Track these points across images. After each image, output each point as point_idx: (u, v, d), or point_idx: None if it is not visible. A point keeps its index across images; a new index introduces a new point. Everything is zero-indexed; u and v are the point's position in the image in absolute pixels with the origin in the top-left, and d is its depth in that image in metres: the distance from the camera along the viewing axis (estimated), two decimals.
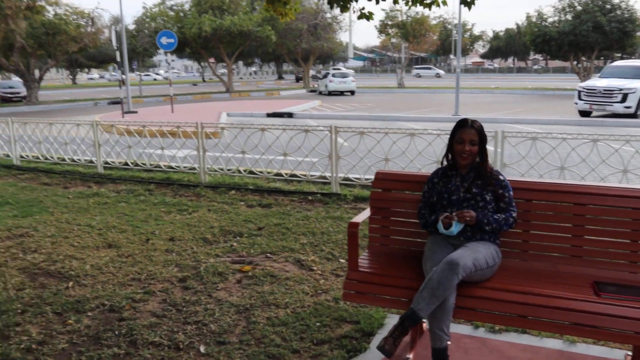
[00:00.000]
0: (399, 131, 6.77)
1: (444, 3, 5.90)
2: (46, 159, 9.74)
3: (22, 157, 9.94)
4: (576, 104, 18.12)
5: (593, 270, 2.84)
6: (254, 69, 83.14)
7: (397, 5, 6.06)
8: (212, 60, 46.70)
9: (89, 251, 5.13)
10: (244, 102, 27.15)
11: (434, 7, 5.84)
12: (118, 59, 20.29)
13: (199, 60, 55.16)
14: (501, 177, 2.96)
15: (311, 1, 39.00)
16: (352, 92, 33.41)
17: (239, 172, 8.08)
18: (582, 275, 2.83)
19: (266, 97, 33.05)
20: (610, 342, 2.42)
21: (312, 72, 51.84)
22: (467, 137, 2.93)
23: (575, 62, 33.16)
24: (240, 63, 70.89)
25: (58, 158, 9.67)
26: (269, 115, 20.05)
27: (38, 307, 3.95)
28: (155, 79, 73.47)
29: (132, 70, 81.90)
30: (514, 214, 2.91)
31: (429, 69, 66.92)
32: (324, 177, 7.51)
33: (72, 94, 40.23)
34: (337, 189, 7.13)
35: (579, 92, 17.96)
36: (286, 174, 7.74)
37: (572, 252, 2.91)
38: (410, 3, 5.97)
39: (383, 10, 40.88)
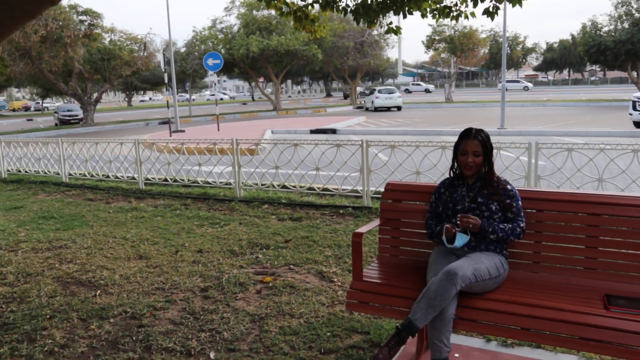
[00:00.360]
0: (429, 144, 6.69)
1: (472, 15, 5.85)
2: (92, 176, 10.20)
3: (70, 174, 10.45)
4: (631, 114, 17.32)
5: (606, 283, 2.69)
6: (302, 87, 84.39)
7: (425, 19, 6.05)
8: (261, 79, 47.83)
9: (120, 262, 5.31)
10: (289, 120, 27.53)
11: (482, 20, 5.81)
12: (166, 80, 21.06)
13: (249, 80, 56.53)
14: (509, 187, 2.87)
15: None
16: (399, 108, 33.27)
17: (273, 186, 8.18)
18: (593, 288, 2.69)
19: (312, 115, 33.39)
20: (621, 358, 2.28)
21: (360, 89, 52.07)
22: (471, 148, 2.87)
23: (633, 72, 31.75)
24: (289, 82, 72.12)
25: (103, 175, 10.12)
26: (312, 132, 20.22)
27: (65, 313, 4.12)
28: (208, 99, 76.06)
29: (185, 91, 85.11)
30: (522, 224, 2.81)
31: (418, 84, 67.55)
32: (356, 191, 7.50)
33: (126, 116, 42.06)
34: (369, 202, 7.09)
35: (634, 102, 17.16)
36: (318, 187, 7.78)
37: (585, 264, 2.77)
38: (437, 16, 5.96)
39: (430, 25, 40.58)
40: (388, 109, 33.43)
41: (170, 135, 19.37)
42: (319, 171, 7.73)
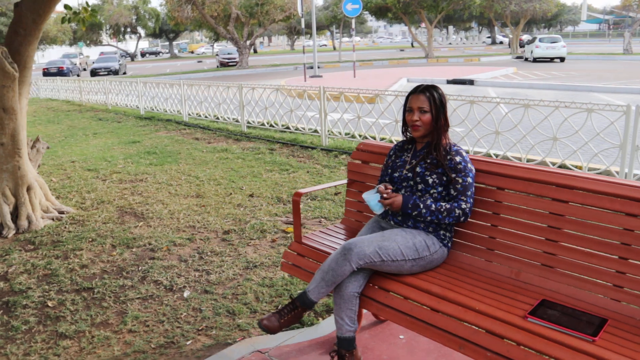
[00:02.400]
0: (511, 101, 5.92)
1: None
2: (206, 117, 10.96)
3: (189, 114, 11.35)
4: None
5: (559, 286, 2.18)
6: (466, 34, 79.54)
7: None
8: (422, 24, 46.05)
9: (177, 198, 5.72)
10: (436, 68, 26.33)
11: None
12: (302, 25, 21.37)
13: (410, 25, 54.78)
14: (458, 159, 2.42)
15: None
16: (562, 59, 29.70)
17: (355, 137, 8.02)
18: (540, 289, 2.21)
19: (464, 64, 31.47)
20: None
21: (527, 37, 47.44)
22: (416, 104, 2.48)
23: None
24: (451, 28, 68.37)
25: (214, 116, 10.82)
26: (449, 82, 19.17)
27: (104, 238, 4.61)
28: (371, 43, 76.15)
29: (350, 36, 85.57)
30: (464, 205, 2.38)
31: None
32: None
33: (283, 59, 43.78)
34: None
35: None
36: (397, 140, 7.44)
37: (542, 259, 2.27)
38: None
39: None
40: (551, 59, 30.07)
41: (305, 81, 19.83)
42: (397, 123, 7.35)
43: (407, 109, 2.52)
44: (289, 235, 4.55)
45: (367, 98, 8.48)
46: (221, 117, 10.63)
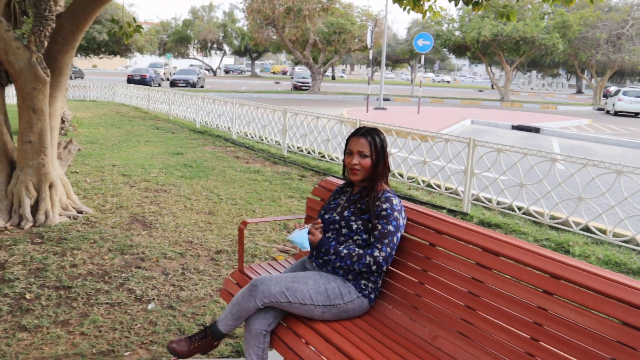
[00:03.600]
0: (538, 154, 5.65)
1: None
2: (252, 137, 11.25)
3: (238, 133, 11.69)
4: None
5: (474, 358, 2.05)
6: (547, 80, 76.93)
7: None
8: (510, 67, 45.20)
9: (189, 213, 5.89)
10: (506, 113, 25.59)
11: None
12: (370, 57, 21.53)
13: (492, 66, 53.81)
14: (385, 205, 2.33)
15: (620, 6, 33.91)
16: None
17: None
18: (449, 359, 2.08)
19: (538, 111, 30.40)
20: None
21: (614, 89, 45.13)
22: (356, 148, 2.42)
23: None
24: (534, 72, 66.35)
25: (259, 137, 11.07)
26: (514, 127, 18.58)
27: (104, 241, 4.82)
28: (448, 81, 75.51)
29: (433, 71, 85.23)
30: (377, 253, 2.27)
31: None
32: (457, 193, 6.81)
33: (357, 88, 44.19)
34: (468, 208, 6.38)
35: None
36: (423, 181, 7.28)
37: (461, 327, 2.13)
38: None
39: None
40: (635, 114, 28.39)
41: (367, 112, 19.91)
42: (426, 164, 7.20)
43: (347, 152, 2.48)
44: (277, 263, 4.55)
45: (402, 134, 8.38)
46: (265, 138, 10.87)
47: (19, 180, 5.07)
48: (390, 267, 2.49)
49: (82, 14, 4.70)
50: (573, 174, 5.46)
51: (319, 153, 9.40)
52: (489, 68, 38.21)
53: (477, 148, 6.28)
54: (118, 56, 33.95)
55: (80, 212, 5.59)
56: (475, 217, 6.10)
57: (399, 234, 2.33)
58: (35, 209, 5.21)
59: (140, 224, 5.43)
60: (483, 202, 6.42)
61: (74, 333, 3.21)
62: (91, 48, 30.16)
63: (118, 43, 30.88)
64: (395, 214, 2.33)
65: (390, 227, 2.30)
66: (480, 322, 2.07)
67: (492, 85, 64.94)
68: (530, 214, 5.83)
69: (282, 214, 6.02)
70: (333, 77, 68.35)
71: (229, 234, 5.24)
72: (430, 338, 2.20)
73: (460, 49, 36.89)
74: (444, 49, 37.56)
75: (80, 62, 46.75)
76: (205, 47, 56.22)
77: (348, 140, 2.49)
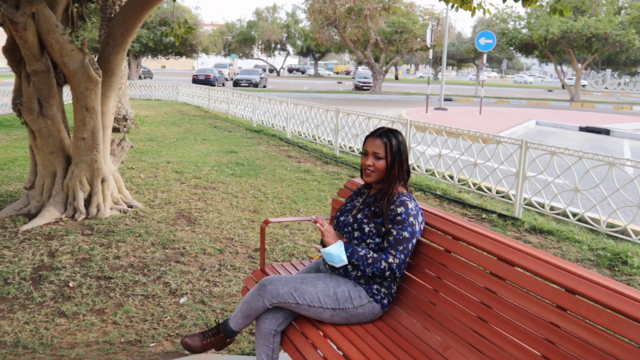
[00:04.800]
0: (594, 157, 5.32)
1: None
2: (306, 136, 11.31)
3: (292, 132, 11.79)
4: None
5: None
6: (631, 79, 72.39)
7: None
8: (580, 65, 43.13)
9: (234, 210, 5.99)
10: (574, 113, 24.35)
11: None
12: (430, 57, 21.07)
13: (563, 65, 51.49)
14: (400, 210, 2.24)
15: None
16: None
17: (435, 174, 7.74)
18: None
19: (611, 111, 28.71)
20: None
21: None
22: (371, 148, 2.36)
23: None
24: (608, 71, 62.69)
25: (312, 136, 11.11)
26: (581, 129, 17.64)
27: (149, 235, 4.99)
28: (526, 82, 72.91)
29: (500, 71, 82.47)
30: (392, 259, 2.19)
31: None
32: (509, 197, 6.53)
33: (420, 88, 43.48)
34: (520, 213, 6.11)
35: None
36: (474, 183, 7.04)
37: (473, 340, 2.02)
38: None
39: None
40: None
41: (427, 112, 19.55)
42: (477, 167, 6.96)
43: (363, 152, 2.42)
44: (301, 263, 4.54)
45: (453, 135, 8.15)
46: (318, 138, 10.90)
47: (74, 175, 5.34)
48: (406, 272, 2.42)
49: (131, 17, 4.89)
50: (633, 179, 5.10)
51: None
52: (557, 67, 36.44)
53: (529, 150, 6.00)
54: (184, 57, 35.16)
55: (130, 206, 5.82)
56: (526, 223, 5.83)
57: (414, 240, 2.25)
58: (88, 202, 5.47)
59: (185, 219, 5.58)
60: (536, 207, 6.12)
61: (107, 322, 3.34)
62: (159, 49, 31.41)
63: (183, 44, 31.99)
64: (411, 219, 2.24)
65: (406, 234, 2.22)
66: (491, 335, 1.96)
67: (562, 85, 62.01)
68: (585, 221, 5.50)
69: (326, 214, 5.99)
70: (396, 77, 67.64)
71: (270, 232, 5.28)
72: (442, 349, 2.11)
73: (527, 48, 35.37)
74: (510, 48, 36.16)
75: (150, 63, 48.80)
76: (269, 48, 57.20)
77: (365, 140, 2.44)
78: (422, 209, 2.43)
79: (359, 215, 2.34)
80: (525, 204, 6.18)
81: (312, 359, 2.12)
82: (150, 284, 3.94)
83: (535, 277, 1.87)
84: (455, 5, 5.65)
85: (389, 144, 2.34)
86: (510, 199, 6.39)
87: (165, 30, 6.11)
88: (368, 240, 2.30)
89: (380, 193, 2.36)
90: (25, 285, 3.81)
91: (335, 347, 2.14)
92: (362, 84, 35.86)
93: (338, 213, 2.50)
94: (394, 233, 2.23)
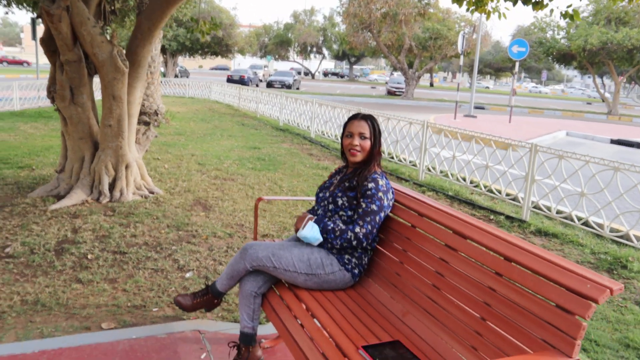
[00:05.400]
0: (600, 162, 5.39)
1: None
2: (329, 136, 11.56)
3: (316, 132, 12.06)
4: None
5: (430, 334, 2.14)
6: None
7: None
8: (620, 78, 42.12)
9: (248, 200, 6.28)
10: (608, 126, 23.86)
11: None
12: (461, 63, 21.03)
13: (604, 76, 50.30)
14: (370, 185, 2.46)
15: None
16: None
17: (448, 176, 7.87)
18: (411, 333, 2.18)
19: None
20: None
21: None
22: (356, 130, 2.58)
23: None
24: None
25: (335, 136, 11.35)
26: (612, 141, 17.35)
27: (165, 218, 5.32)
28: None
29: (540, 82, 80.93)
30: (358, 230, 2.41)
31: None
32: (517, 200, 6.63)
33: (453, 96, 43.17)
34: (527, 215, 6.21)
35: None
36: (485, 185, 7.15)
37: (427, 305, 2.22)
38: None
39: None
40: None
41: (455, 119, 19.54)
42: (488, 169, 7.07)
43: (346, 134, 2.65)
44: None
45: (466, 138, 8.26)
46: (339, 137, 11.13)
47: (100, 160, 5.73)
48: (377, 246, 2.63)
49: (157, 12, 5.24)
50: (637, 184, 5.16)
51: (389, 154, 9.49)
52: (596, 79, 35.66)
53: (538, 154, 6.09)
54: (220, 57, 35.95)
55: (151, 192, 6.17)
56: (532, 225, 5.93)
57: (382, 214, 2.47)
58: (112, 186, 5.85)
59: (201, 206, 5.90)
60: (543, 211, 6.21)
61: (117, 289, 3.66)
62: (195, 49, 32.25)
63: (219, 44, 32.74)
64: (380, 194, 2.46)
65: (374, 207, 2.44)
66: (443, 300, 2.16)
67: (602, 98, 60.46)
68: (590, 225, 5.57)
69: None
70: (431, 84, 67.29)
71: (279, 220, 5.54)
72: (401, 314, 2.32)
73: (565, 58, 34.76)
74: (548, 58, 35.58)
75: (187, 63, 49.80)
76: (305, 51, 57.79)
77: (346, 124, 2.66)
78: (395, 188, 2.65)
79: (336, 190, 2.58)
80: (533, 207, 6.26)
81: (285, 317, 2.36)
82: (160, 260, 4.25)
83: (481, 247, 2.06)
84: (471, 8, 5.81)
85: (372, 126, 2.57)
86: (519, 202, 6.49)
87: (192, 26, 6.46)
88: (340, 212, 2.53)
89: (358, 170, 2.58)
90: (48, 255, 4.17)
91: (305, 308, 2.38)
92: (394, 89, 35.93)
93: (318, 190, 2.74)
94: (363, 206, 2.46)
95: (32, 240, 4.46)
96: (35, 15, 15.55)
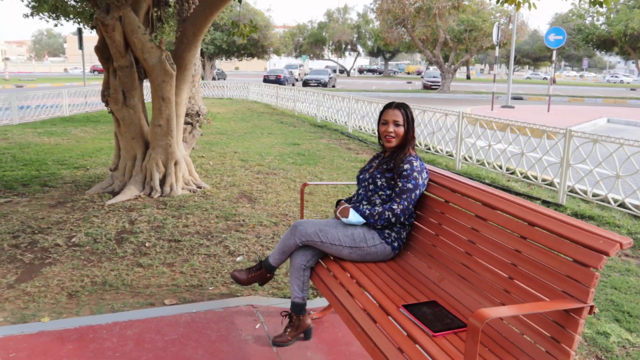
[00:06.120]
0: (635, 144, 5.43)
1: None
2: (366, 130, 11.78)
3: (354, 127, 12.29)
4: None
5: (464, 295, 2.36)
6: None
7: None
8: None
9: (291, 192, 6.58)
10: None
11: None
12: (496, 54, 20.80)
13: None
14: (406, 166, 2.69)
15: None
16: None
17: (484, 164, 7.97)
18: (447, 296, 2.40)
19: None
20: None
21: None
22: (391, 118, 2.81)
23: None
24: None
25: (372, 130, 11.55)
26: None
27: (213, 210, 5.68)
28: (622, 82, 69.34)
29: (582, 69, 78.48)
30: (395, 206, 2.65)
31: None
32: (553, 184, 6.70)
33: (490, 87, 42.57)
34: (564, 199, 6.29)
35: None
36: (521, 172, 7.23)
37: (460, 270, 2.44)
38: None
39: None
40: None
41: (492, 110, 19.40)
42: (523, 156, 7.15)
43: (381, 122, 2.89)
44: None
45: (501, 127, 8.32)
46: (372, 130, 11.33)
47: (151, 158, 6.14)
48: (415, 222, 2.86)
49: (201, 17, 5.59)
50: None
51: (425, 145, 9.64)
52: (638, 63, 34.52)
53: (573, 139, 6.16)
54: (256, 58, 36.59)
55: (199, 187, 6.55)
56: (569, 209, 6.00)
57: (417, 192, 2.71)
58: (163, 182, 6.25)
59: (246, 198, 6.23)
60: (579, 194, 6.27)
61: (175, 271, 4.01)
62: (232, 51, 32.95)
63: (255, 46, 33.34)
64: (415, 174, 2.70)
65: (409, 185, 2.68)
66: (475, 265, 2.37)
67: None
68: (627, 207, 5.62)
69: None
70: (468, 77, 66.37)
71: (321, 210, 5.82)
72: (438, 280, 2.54)
73: (605, 44, 33.87)
74: (587, 44, 34.69)
75: (223, 65, 50.70)
76: (339, 49, 58.02)
77: (381, 113, 2.91)
78: (429, 169, 2.88)
79: (375, 172, 2.83)
80: (570, 191, 6.33)
81: (332, 285, 2.62)
82: (212, 246, 4.59)
83: (507, 215, 2.27)
84: (501, 0, 5.92)
85: (405, 114, 2.81)
86: (555, 187, 6.56)
87: (232, 30, 6.81)
88: (380, 192, 2.78)
89: (395, 154, 2.83)
90: (110, 244, 4.57)
91: (350, 276, 2.63)
92: (430, 83, 35.75)
93: (359, 173, 2.99)
94: (400, 185, 2.70)
95: (94, 231, 4.87)
96: (81, 25, 16.36)
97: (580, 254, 1.86)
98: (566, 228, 1.97)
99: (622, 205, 5.69)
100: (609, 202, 5.84)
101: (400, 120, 2.81)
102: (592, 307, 1.79)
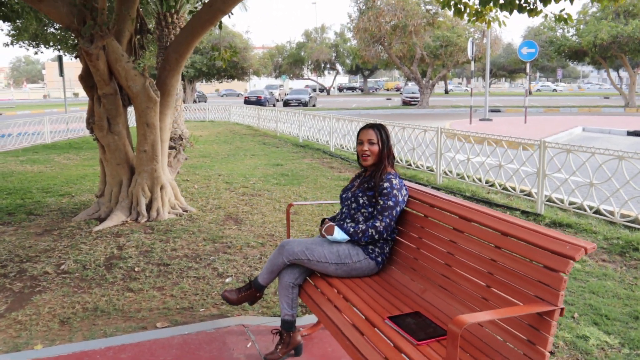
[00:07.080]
0: (605, 152, 5.66)
1: None
2: (348, 148, 11.96)
3: (335, 145, 12.47)
4: None
5: (445, 304, 2.49)
6: None
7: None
8: (636, 70, 41.82)
9: (276, 213, 6.68)
10: (624, 119, 23.79)
11: None
12: (472, 69, 21.31)
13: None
14: (386, 184, 2.83)
15: None
16: None
17: (464, 178, 8.17)
18: (430, 306, 2.53)
19: None
20: None
21: None
22: (365, 137, 2.96)
23: None
24: None
25: (353, 149, 11.73)
26: (629, 133, 17.40)
27: (200, 233, 5.75)
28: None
29: (556, 80, 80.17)
30: (378, 224, 2.78)
31: None
32: (531, 195, 6.91)
33: (468, 101, 43.33)
34: (542, 209, 6.49)
35: None
36: (500, 184, 7.44)
37: (441, 282, 2.57)
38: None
39: None
40: None
41: (471, 124, 19.79)
42: (501, 168, 7.37)
43: (358, 142, 3.04)
44: None
45: (478, 140, 8.55)
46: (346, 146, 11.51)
47: (137, 183, 6.20)
48: (397, 237, 2.99)
49: (183, 44, 5.73)
50: None
51: (406, 161, 9.83)
52: (610, 73, 35.49)
53: (547, 150, 6.38)
54: (236, 80, 36.82)
55: (185, 210, 6.62)
56: (547, 218, 6.19)
57: (398, 208, 2.84)
58: (149, 207, 6.31)
59: (233, 220, 6.32)
60: (557, 203, 6.48)
61: (166, 295, 4.07)
62: (212, 74, 33.15)
63: (235, 68, 33.61)
64: (395, 191, 2.84)
65: (390, 203, 2.82)
66: (454, 275, 2.51)
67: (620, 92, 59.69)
68: (601, 213, 5.83)
69: None
70: (446, 91, 67.46)
71: (307, 229, 5.92)
72: (421, 292, 2.67)
73: (577, 55, 34.76)
74: (560, 56, 35.59)
75: (204, 87, 50.84)
76: (318, 68, 58.63)
77: (358, 133, 3.06)
78: (408, 185, 3.02)
79: (356, 191, 2.96)
80: (547, 201, 6.53)
81: (320, 301, 2.73)
82: (201, 269, 4.66)
83: (482, 227, 2.41)
84: (473, 18, 6.18)
85: (379, 133, 2.96)
86: (533, 197, 6.77)
87: (213, 55, 6.95)
88: (362, 210, 2.91)
89: (374, 172, 2.97)
90: (99, 270, 4.61)
91: (336, 292, 2.74)
92: (409, 99, 36.31)
93: (342, 192, 3.12)
94: (381, 203, 2.83)
95: (83, 258, 4.91)
96: (61, 52, 16.40)
97: (549, 260, 2.01)
98: (536, 236, 2.11)
99: (597, 212, 5.89)
100: (585, 210, 6.04)
101: (374, 138, 2.95)
102: (562, 309, 1.93)
